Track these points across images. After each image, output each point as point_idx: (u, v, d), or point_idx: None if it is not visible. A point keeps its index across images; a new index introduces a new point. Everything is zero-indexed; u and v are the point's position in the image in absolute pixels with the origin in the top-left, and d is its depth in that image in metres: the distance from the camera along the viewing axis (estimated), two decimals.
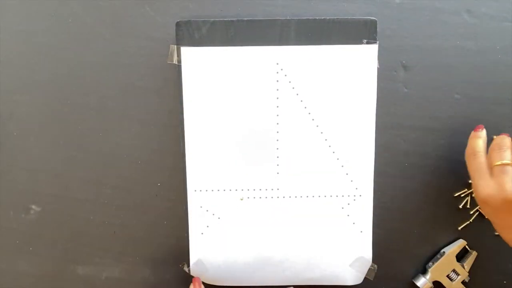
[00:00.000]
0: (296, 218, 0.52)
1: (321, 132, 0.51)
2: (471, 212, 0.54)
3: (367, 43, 0.50)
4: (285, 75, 0.51)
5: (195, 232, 0.52)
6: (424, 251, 0.55)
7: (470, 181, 0.53)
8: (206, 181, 0.52)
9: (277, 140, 0.51)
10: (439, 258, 0.53)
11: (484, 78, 0.53)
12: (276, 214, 0.52)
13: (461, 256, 0.54)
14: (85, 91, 0.53)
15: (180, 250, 0.54)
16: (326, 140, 0.51)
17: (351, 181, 0.52)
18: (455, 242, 0.54)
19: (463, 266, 0.53)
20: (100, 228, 0.55)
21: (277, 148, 0.51)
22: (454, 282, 0.53)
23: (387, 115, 0.53)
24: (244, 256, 0.52)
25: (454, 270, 0.53)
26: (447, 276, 0.53)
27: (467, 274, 0.53)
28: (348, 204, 0.52)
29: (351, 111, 0.51)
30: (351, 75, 0.50)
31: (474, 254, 0.54)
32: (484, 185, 0.45)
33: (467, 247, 0.54)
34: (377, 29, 0.50)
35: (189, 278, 0.52)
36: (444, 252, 0.53)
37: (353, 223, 0.52)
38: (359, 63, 0.50)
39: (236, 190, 0.52)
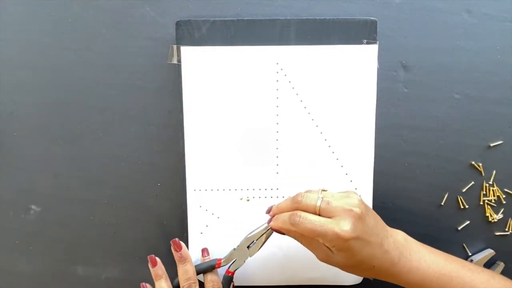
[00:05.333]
0: None
1: (321, 132, 0.51)
2: (471, 213, 0.54)
3: (367, 43, 0.50)
4: (285, 75, 0.51)
5: (194, 231, 0.52)
6: None
7: (471, 182, 0.54)
8: (205, 181, 0.52)
9: (277, 140, 0.51)
10: None
11: (484, 78, 0.53)
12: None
13: (488, 266, 0.54)
14: (85, 91, 0.53)
15: None
16: (325, 140, 0.51)
17: (351, 181, 0.52)
18: (483, 251, 0.54)
19: None
20: (100, 228, 0.55)
21: (277, 148, 0.51)
22: None
23: (387, 115, 0.53)
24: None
25: None
26: None
27: None
28: None
29: (351, 111, 0.51)
30: (351, 75, 0.50)
31: (501, 265, 0.53)
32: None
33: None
34: (377, 29, 0.50)
35: None
36: (472, 260, 0.53)
37: None
38: (359, 63, 0.50)
39: (235, 189, 0.52)
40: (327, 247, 0.42)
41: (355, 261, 0.42)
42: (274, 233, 0.46)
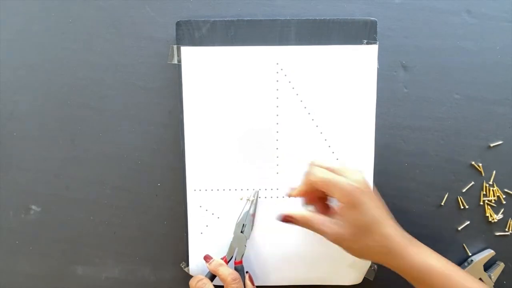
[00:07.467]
0: None
1: (321, 132, 0.51)
2: (471, 213, 0.54)
3: (367, 43, 0.50)
4: (285, 75, 0.51)
5: (194, 231, 0.52)
6: None
7: (472, 183, 0.54)
8: (205, 181, 0.52)
9: (277, 140, 0.51)
10: (466, 266, 0.53)
11: (484, 78, 0.53)
12: (276, 213, 0.52)
13: (488, 266, 0.54)
14: (85, 91, 0.53)
15: (179, 250, 0.54)
16: (325, 140, 0.51)
17: None
18: (483, 251, 0.54)
19: (490, 277, 0.53)
20: (100, 228, 0.55)
21: (277, 148, 0.51)
22: None
23: (387, 115, 0.53)
24: (243, 255, 0.52)
25: (480, 279, 0.52)
26: None
27: (493, 285, 0.53)
28: None
29: (351, 111, 0.51)
30: (351, 75, 0.50)
31: (501, 265, 0.53)
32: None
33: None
34: (377, 29, 0.50)
35: (188, 278, 0.52)
36: (472, 260, 0.53)
37: None
38: (359, 63, 0.50)
39: (235, 189, 0.52)
40: (336, 217, 0.43)
41: (364, 222, 0.42)
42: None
